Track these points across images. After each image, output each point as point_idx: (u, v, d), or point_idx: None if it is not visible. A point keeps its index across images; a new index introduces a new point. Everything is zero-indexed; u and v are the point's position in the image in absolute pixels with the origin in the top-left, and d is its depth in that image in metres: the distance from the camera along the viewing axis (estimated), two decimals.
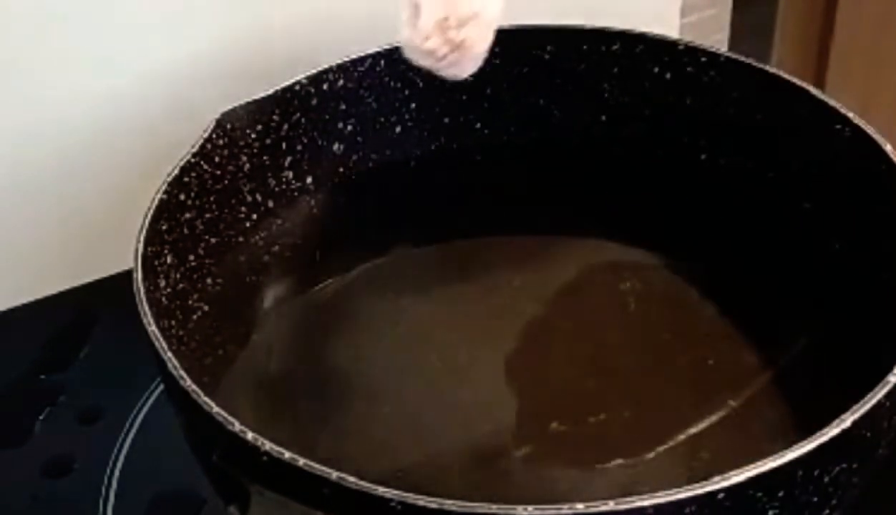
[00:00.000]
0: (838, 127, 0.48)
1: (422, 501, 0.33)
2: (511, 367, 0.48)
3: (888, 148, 0.45)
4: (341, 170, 0.55)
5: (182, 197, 0.46)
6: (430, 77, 0.54)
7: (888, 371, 0.37)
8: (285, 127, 0.51)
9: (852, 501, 0.38)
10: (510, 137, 0.57)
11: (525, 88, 0.56)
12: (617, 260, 0.54)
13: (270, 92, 0.50)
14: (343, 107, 0.53)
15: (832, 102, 0.48)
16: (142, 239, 0.43)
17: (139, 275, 0.41)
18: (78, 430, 0.53)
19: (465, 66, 0.41)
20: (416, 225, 0.55)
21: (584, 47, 0.55)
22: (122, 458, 0.51)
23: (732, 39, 0.84)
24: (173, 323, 0.44)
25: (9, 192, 0.58)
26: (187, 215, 0.47)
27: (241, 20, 0.60)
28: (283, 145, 0.52)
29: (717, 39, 0.83)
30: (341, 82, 0.53)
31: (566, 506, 0.32)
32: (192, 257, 0.47)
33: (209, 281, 0.48)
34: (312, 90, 0.52)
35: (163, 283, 0.44)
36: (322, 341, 0.50)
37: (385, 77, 0.54)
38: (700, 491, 0.33)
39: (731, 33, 0.84)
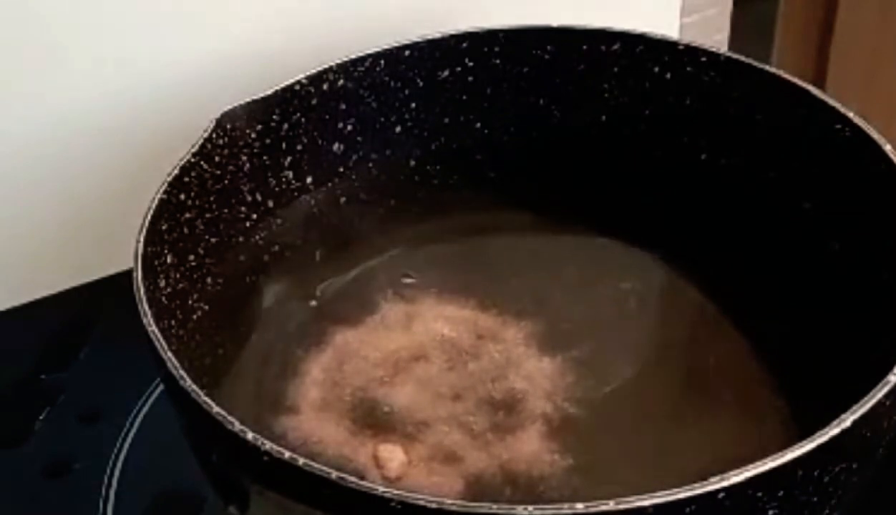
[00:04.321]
0: (838, 127, 0.48)
1: (422, 501, 0.33)
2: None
3: (888, 148, 0.45)
4: (341, 170, 0.55)
5: (182, 197, 0.46)
6: (430, 76, 0.55)
7: (888, 370, 0.37)
8: (285, 127, 0.51)
9: (852, 501, 0.38)
10: (510, 137, 0.57)
11: (525, 88, 0.56)
12: (617, 259, 0.54)
13: (270, 92, 0.50)
14: (343, 107, 0.53)
15: (832, 102, 0.48)
16: (142, 239, 0.43)
17: (139, 275, 0.41)
18: (78, 430, 0.53)
19: None
20: (416, 225, 0.55)
21: (584, 47, 0.55)
22: (122, 458, 0.51)
23: (733, 39, 0.84)
24: (173, 323, 0.44)
25: (9, 192, 0.58)
26: (187, 215, 0.47)
27: (240, 20, 0.60)
28: (283, 145, 0.52)
29: (717, 39, 0.83)
30: (341, 82, 0.53)
31: (566, 506, 0.32)
32: (192, 257, 0.47)
33: (209, 281, 0.48)
34: (312, 90, 0.52)
35: (163, 283, 0.44)
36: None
37: (385, 77, 0.54)
38: (700, 491, 0.33)
39: (732, 33, 0.84)
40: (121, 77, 0.58)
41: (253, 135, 0.50)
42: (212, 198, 0.48)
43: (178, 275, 0.46)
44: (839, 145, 0.48)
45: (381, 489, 0.33)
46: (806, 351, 0.47)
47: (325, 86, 0.52)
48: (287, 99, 0.51)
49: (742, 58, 0.52)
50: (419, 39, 0.54)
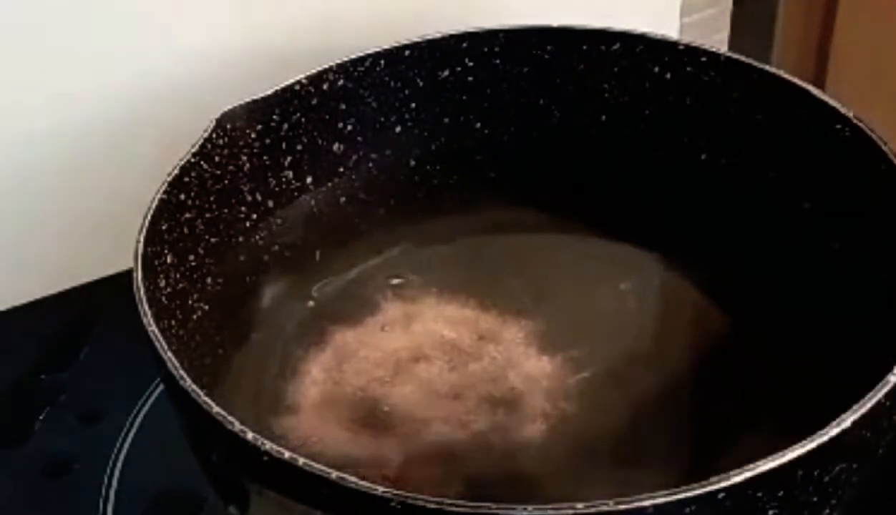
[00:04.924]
0: (838, 127, 0.48)
1: (421, 501, 0.33)
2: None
3: (887, 148, 0.45)
4: (341, 170, 0.55)
5: (182, 197, 0.46)
6: (430, 76, 0.55)
7: (888, 370, 0.37)
8: (285, 127, 0.51)
9: (852, 500, 0.38)
10: (510, 137, 0.57)
11: (525, 88, 0.56)
12: (617, 259, 0.54)
13: (270, 92, 0.50)
14: (343, 107, 0.53)
15: (832, 102, 0.48)
16: (142, 239, 0.43)
17: (139, 275, 0.41)
18: (78, 430, 0.53)
19: None
20: (416, 224, 0.55)
21: (584, 47, 0.55)
22: (122, 458, 0.51)
23: (732, 39, 0.84)
24: (173, 323, 0.44)
25: (9, 193, 0.58)
26: (187, 215, 0.47)
27: (241, 20, 0.60)
28: (283, 145, 0.52)
29: (717, 39, 0.83)
30: (341, 82, 0.53)
31: (566, 505, 0.32)
32: (192, 257, 0.47)
33: (209, 281, 0.48)
34: (312, 90, 0.52)
35: (163, 283, 0.44)
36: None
37: (385, 77, 0.54)
38: (700, 491, 0.33)
39: (732, 33, 0.84)
40: (120, 77, 0.58)
41: (253, 135, 0.50)
42: (212, 198, 0.48)
43: (178, 275, 0.46)
44: (839, 145, 0.48)
45: (381, 489, 0.33)
46: (806, 351, 0.47)
47: (325, 86, 0.52)
48: (287, 99, 0.51)
49: (742, 58, 0.52)
50: (419, 39, 0.54)
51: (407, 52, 0.54)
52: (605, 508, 0.32)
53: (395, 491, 0.33)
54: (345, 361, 0.49)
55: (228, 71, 0.59)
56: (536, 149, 0.57)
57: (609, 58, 0.54)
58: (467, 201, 0.56)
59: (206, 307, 0.47)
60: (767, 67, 0.51)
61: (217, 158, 0.48)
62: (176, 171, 0.46)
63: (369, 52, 0.53)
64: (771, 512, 0.34)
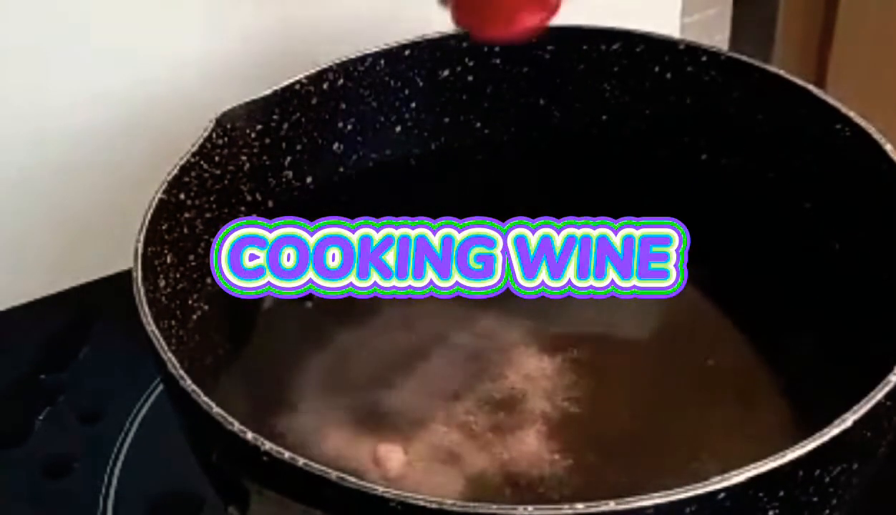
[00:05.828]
0: (839, 126, 0.48)
1: (422, 501, 0.33)
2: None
3: (889, 147, 0.45)
4: (341, 169, 0.55)
5: (182, 196, 0.46)
6: (430, 76, 0.55)
7: (888, 370, 0.37)
8: (285, 126, 0.51)
9: (853, 501, 0.38)
10: (510, 137, 0.57)
11: (525, 88, 0.56)
12: None
13: (270, 92, 0.50)
14: (343, 106, 0.53)
15: (833, 102, 0.48)
16: (141, 238, 0.43)
17: (138, 275, 0.41)
18: (78, 430, 0.53)
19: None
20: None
21: (584, 47, 0.55)
22: (122, 458, 0.51)
23: (733, 39, 0.84)
24: (173, 322, 0.44)
25: (9, 193, 0.58)
26: (187, 215, 0.47)
27: (241, 20, 0.60)
28: (283, 145, 0.52)
29: (718, 39, 0.83)
30: (341, 82, 0.53)
31: (566, 506, 0.32)
32: (191, 257, 0.47)
33: (209, 280, 0.48)
34: (312, 90, 0.52)
35: (162, 283, 0.44)
36: (322, 340, 0.50)
37: (385, 76, 0.54)
38: (701, 491, 0.33)
39: (732, 33, 0.84)
40: (120, 77, 0.58)
41: (253, 135, 0.50)
42: (212, 198, 0.48)
43: (177, 275, 0.46)
44: (840, 145, 0.48)
45: (381, 489, 0.33)
46: (806, 351, 0.47)
47: (325, 86, 0.52)
48: (287, 99, 0.51)
49: (743, 57, 0.52)
50: (419, 39, 0.54)
51: (407, 52, 0.54)
52: (605, 508, 0.32)
53: (395, 491, 0.33)
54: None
55: (228, 71, 0.59)
56: (536, 149, 0.57)
57: (609, 57, 0.54)
58: (467, 201, 0.56)
59: (206, 307, 0.47)
60: (768, 67, 0.51)
61: (217, 158, 0.48)
62: (175, 171, 0.46)
63: (369, 51, 0.53)
64: (771, 513, 0.34)
